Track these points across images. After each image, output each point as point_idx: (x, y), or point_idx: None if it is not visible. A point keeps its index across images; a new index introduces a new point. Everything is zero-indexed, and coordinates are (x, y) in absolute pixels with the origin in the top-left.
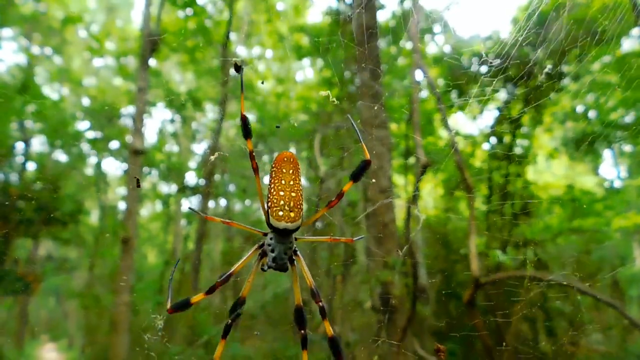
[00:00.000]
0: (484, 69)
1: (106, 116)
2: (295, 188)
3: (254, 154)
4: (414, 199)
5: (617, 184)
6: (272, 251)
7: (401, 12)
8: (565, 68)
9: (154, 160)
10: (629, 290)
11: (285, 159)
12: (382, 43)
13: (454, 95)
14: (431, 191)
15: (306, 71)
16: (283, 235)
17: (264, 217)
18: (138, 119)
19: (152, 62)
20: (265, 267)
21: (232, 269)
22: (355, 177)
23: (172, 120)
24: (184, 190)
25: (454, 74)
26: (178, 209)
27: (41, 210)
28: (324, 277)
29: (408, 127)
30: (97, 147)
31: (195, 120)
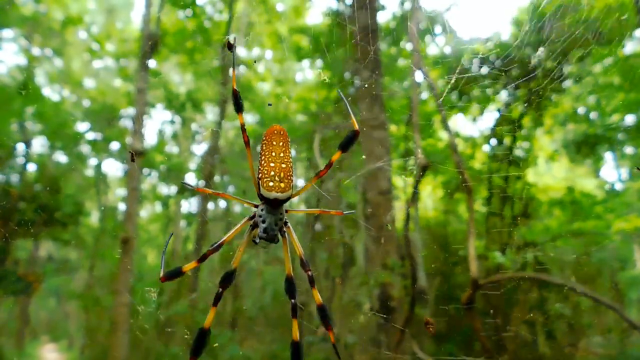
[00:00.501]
0: (484, 70)
1: (106, 117)
2: (286, 160)
3: (245, 127)
4: (413, 200)
5: (618, 186)
6: (263, 222)
7: (401, 13)
8: (566, 69)
9: (153, 162)
10: (628, 293)
11: (276, 132)
12: (382, 44)
13: (454, 96)
14: (431, 193)
15: (306, 72)
16: (274, 205)
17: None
18: (138, 120)
19: (152, 63)
20: (257, 239)
21: (224, 238)
22: (344, 147)
23: (172, 122)
24: (184, 191)
25: (454, 75)
26: (177, 210)
27: (41, 211)
28: (322, 279)
29: (408, 128)
30: (97, 149)
31: (194, 121)
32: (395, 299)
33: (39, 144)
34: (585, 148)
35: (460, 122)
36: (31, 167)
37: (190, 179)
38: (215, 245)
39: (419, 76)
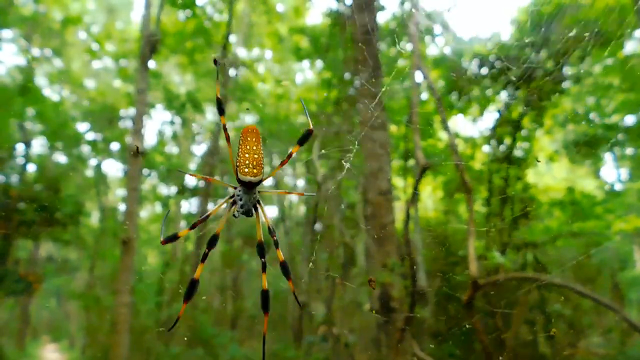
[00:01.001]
0: (484, 70)
1: (106, 118)
2: (257, 151)
3: (226, 127)
4: (413, 200)
5: (618, 186)
6: (240, 200)
7: (401, 13)
8: (566, 70)
9: (153, 162)
10: (628, 293)
11: (250, 130)
12: (382, 44)
13: (454, 97)
14: (431, 193)
15: (306, 73)
16: (248, 187)
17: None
18: (138, 121)
19: (152, 63)
20: (236, 214)
21: (209, 212)
22: (301, 142)
23: (171, 122)
24: (184, 191)
25: (454, 75)
26: (178, 211)
27: (42, 211)
28: (323, 279)
29: (407, 128)
30: (97, 149)
31: (195, 121)
32: (396, 299)
33: (39, 145)
34: (585, 148)
35: (460, 123)
36: (31, 168)
37: (190, 179)
38: (204, 216)
39: (419, 76)
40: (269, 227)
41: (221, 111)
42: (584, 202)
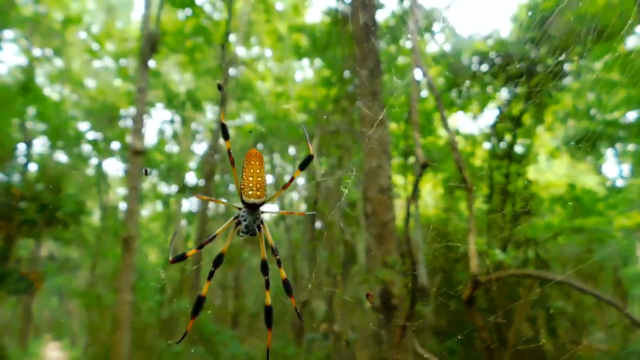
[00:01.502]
0: (484, 67)
1: (107, 117)
2: (261, 175)
3: (231, 151)
4: (413, 197)
5: (620, 183)
6: (245, 220)
7: (400, 11)
8: (567, 66)
9: (154, 161)
10: (631, 289)
11: (253, 155)
12: (381, 42)
13: (454, 94)
14: (431, 190)
15: (305, 71)
16: (252, 208)
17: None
18: (138, 120)
19: (152, 63)
20: (241, 233)
21: (215, 232)
22: (302, 167)
23: (171, 121)
24: (184, 190)
25: (454, 72)
26: (178, 209)
27: (43, 210)
28: (323, 277)
29: (407, 126)
30: (98, 148)
31: (195, 120)
32: (397, 296)
33: (40, 144)
34: (586, 145)
35: (460, 120)
36: (32, 167)
37: (191, 177)
38: (210, 237)
39: (418, 74)
40: (272, 248)
41: (226, 136)
42: (586, 199)
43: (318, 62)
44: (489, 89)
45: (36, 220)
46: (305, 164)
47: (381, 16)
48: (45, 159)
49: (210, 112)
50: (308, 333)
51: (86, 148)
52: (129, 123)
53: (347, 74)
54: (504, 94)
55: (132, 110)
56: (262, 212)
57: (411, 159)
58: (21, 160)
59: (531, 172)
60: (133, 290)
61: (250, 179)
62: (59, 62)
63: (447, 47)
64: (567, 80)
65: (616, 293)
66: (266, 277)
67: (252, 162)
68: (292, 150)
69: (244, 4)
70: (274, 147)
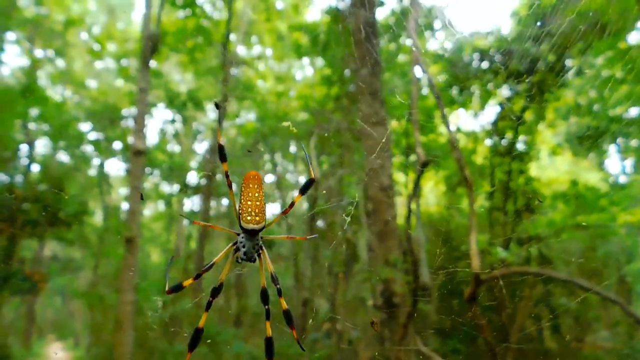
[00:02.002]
0: (485, 64)
1: (108, 117)
2: (260, 198)
3: (228, 173)
4: (415, 196)
5: (623, 179)
6: (244, 247)
7: (400, 8)
8: (568, 62)
9: (155, 161)
10: (635, 286)
11: (252, 177)
12: (381, 40)
13: (454, 91)
14: (433, 188)
15: (306, 70)
16: (251, 234)
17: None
18: (139, 120)
19: (153, 63)
20: (239, 260)
21: (213, 260)
22: (303, 191)
23: (173, 121)
24: (186, 189)
25: (454, 70)
26: (180, 209)
27: (46, 211)
28: (326, 275)
29: (408, 124)
30: (100, 149)
31: (196, 120)
32: (399, 294)
33: (43, 145)
34: (589, 141)
35: (462, 117)
36: (35, 168)
37: (192, 177)
38: (207, 266)
39: (418, 72)
40: (272, 275)
41: (223, 157)
42: (588, 195)
43: (318, 60)
44: (490, 85)
45: (39, 220)
46: (306, 188)
47: (381, 14)
48: (47, 160)
49: (211, 111)
50: (311, 333)
51: (88, 148)
52: (130, 123)
53: (347, 72)
54: (505, 91)
55: (133, 110)
56: (262, 238)
57: (412, 157)
58: (24, 161)
59: (533, 169)
60: (135, 290)
61: (249, 203)
62: (60, 63)
63: (448, 45)
64: (569, 76)
65: (620, 290)
66: (266, 306)
67: (251, 185)
68: (292, 148)
69: (244, 4)
70: (275, 147)
